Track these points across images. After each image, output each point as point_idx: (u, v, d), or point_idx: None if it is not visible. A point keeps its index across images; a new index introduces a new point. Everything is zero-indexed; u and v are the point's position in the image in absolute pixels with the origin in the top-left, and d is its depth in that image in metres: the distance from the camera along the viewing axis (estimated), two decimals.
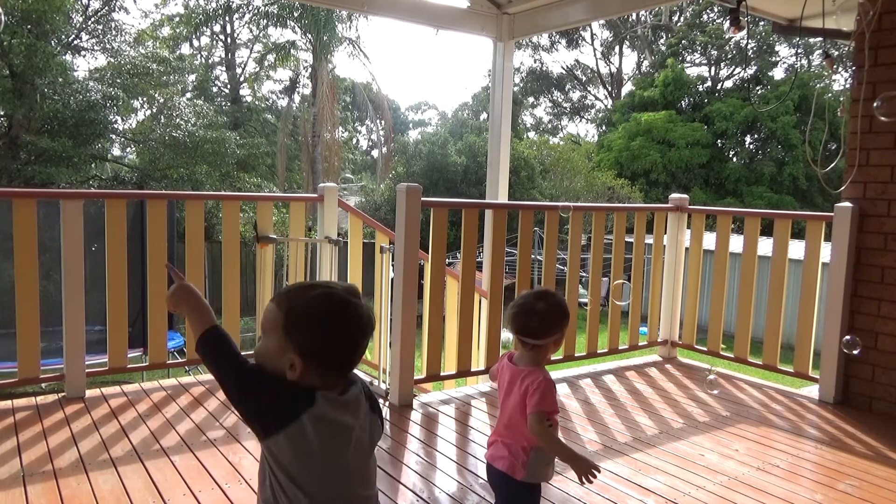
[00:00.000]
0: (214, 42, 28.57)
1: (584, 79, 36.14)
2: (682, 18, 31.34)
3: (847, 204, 3.93)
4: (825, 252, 4.06)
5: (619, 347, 4.88)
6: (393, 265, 3.88)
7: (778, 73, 28.40)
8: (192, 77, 25.47)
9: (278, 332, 1.29)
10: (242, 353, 1.38)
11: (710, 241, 4.88)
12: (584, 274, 5.44)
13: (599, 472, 1.88)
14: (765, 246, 5.02)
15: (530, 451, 1.92)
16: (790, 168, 24.77)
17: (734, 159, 26.47)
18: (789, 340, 4.36)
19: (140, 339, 6.40)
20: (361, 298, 1.34)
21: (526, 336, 1.94)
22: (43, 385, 4.36)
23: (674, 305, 4.96)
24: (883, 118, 3.62)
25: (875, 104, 3.62)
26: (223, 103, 25.85)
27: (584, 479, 1.87)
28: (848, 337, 3.71)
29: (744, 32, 4.11)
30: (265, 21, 23.43)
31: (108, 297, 3.78)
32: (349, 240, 4.68)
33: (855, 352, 3.65)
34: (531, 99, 36.01)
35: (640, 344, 4.97)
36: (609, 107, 33.16)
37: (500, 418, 2.03)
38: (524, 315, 1.93)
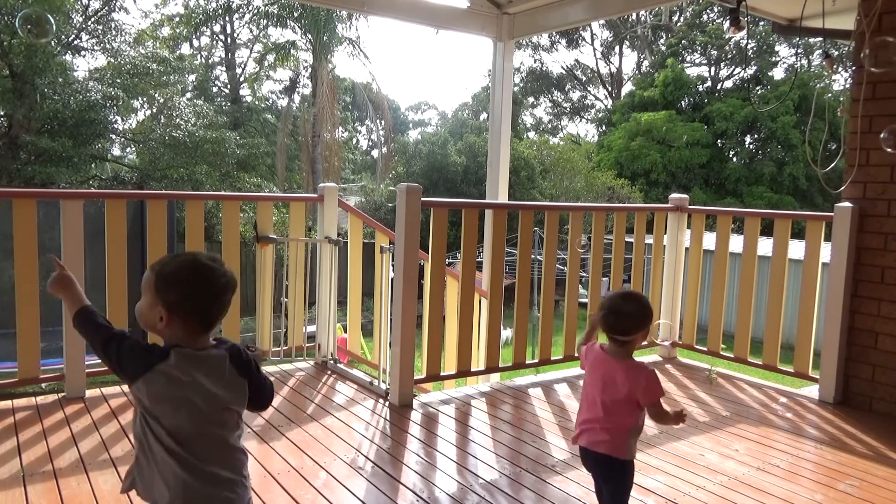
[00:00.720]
0: (214, 42, 28.60)
1: (584, 79, 36.15)
2: (682, 18, 31.35)
3: (847, 204, 3.93)
4: (825, 252, 4.06)
5: None
6: (393, 265, 3.88)
7: (778, 73, 28.46)
8: (192, 77, 25.46)
9: (151, 290, 1.56)
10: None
11: (710, 241, 4.88)
12: (584, 274, 5.45)
13: (686, 415, 2.22)
14: (765, 246, 5.02)
15: (629, 431, 2.15)
16: (790, 168, 24.78)
17: (734, 159, 26.48)
18: (789, 340, 4.35)
19: None
20: (223, 265, 1.60)
21: (616, 334, 2.18)
22: (43, 385, 4.35)
23: (674, 305, 4.96)
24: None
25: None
26: (223, 103, 25.85)
27: (682, 422, 2.20)
28: None
29: (744, 32, 4.11)
30: (265, 21, 23.45)
31: (108, 297, 3.77)
32: (349, 240, 4.68)
33: None
34: (531, 99, 36.00)
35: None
36: (609, 107, 33.17)
37: (592, 405, 2.19)
38: (614, 316, 2.18)
